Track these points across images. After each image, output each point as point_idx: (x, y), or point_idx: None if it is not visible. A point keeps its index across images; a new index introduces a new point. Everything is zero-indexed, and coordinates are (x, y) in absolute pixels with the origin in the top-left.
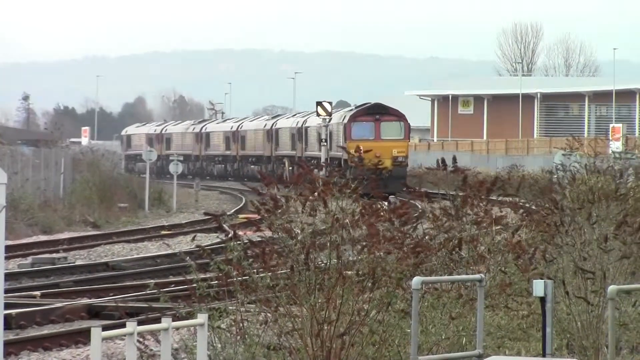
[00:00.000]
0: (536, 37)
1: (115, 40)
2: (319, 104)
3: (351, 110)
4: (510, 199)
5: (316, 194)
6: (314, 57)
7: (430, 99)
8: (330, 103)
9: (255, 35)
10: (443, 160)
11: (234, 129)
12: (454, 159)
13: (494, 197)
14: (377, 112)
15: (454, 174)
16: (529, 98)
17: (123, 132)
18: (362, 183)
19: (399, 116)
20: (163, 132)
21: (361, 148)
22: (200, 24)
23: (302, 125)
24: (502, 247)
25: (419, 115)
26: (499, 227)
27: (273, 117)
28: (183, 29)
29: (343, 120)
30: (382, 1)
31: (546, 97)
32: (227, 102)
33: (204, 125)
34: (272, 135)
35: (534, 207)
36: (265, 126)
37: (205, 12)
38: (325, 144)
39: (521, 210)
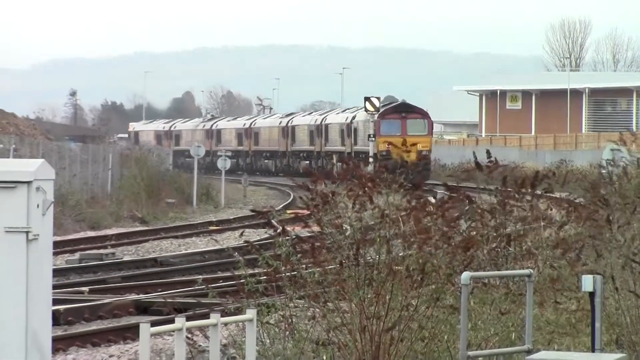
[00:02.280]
0: (584, 32)
1: (163, 37)
2: (367, 99)
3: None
4: (554, 194)
5: (363, 190)
6: (361, 53)
7: (478, 94)
8: (378, 98)
9: (302, 31)
10: (477, 162)
11: (247, 126)
12: (488, 153)
13: (539, 192)
14: (403, 110)
15: (491, 171)
16: (577, 93)
17: (130, 129)
18: (409, 176)
19: (423, 114)
20: (172, 129)
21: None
22: (247, 20)
23: (321, 122)
24: (549, 242)
25: (468, 110)
26: (544, 222)
27: (287, 115)
28: (231, 25)
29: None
30: None
31: (594, 92)
32: (274, 98)
33: (214, 123)
34: (287, 131)
35: (581, 202)
36: (280, 123)
37: (252, 8)
38: (373, 139)
39: (567, 206)
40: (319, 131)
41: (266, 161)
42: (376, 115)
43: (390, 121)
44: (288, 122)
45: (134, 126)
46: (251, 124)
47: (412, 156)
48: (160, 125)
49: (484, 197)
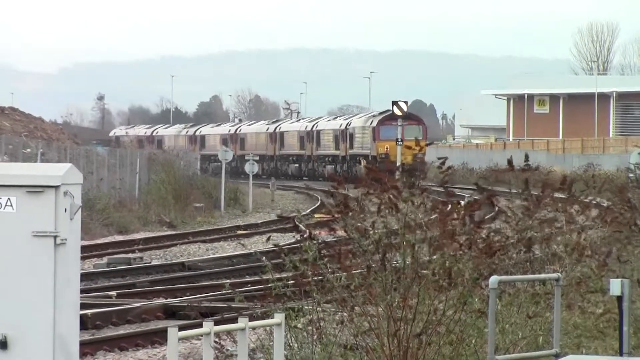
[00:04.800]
0: (612, 35)
1: (190, 40)
2: (394, 103)
3: (375, 115)
4: (586, 198)
5: (387, 197)
6: (388, 56)
7: (506, 98)
8: (405, 102)
9: (329, 34)
10: (509, 161)
11: (232, 132)
12: (526, 157)
13: (567, 197)
14: (400, 117)
15: (524, 173)
16: (604, 97)
17: (111, 134)
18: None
19: (418, 120)
20: (154, 134)
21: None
22: (274, 23)
23: (312, 128)
24: (576, 246)
25: (495, 114)
26: (572, 226)
27: (273, 122)
28: (259, 29)
29: (371, 124)
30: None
31: (622, 96)
32: (302, 102)
33: (198, 129)
34: (275, 137)
35: (609, 207)
36: (267, 129)
37: (279, 11)
38: (401, 143)
39: (597, 210)
40: (310, 137)
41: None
42: (375, 122)
43: (388, 127)
44: (275, 128)
45: (114, 131)
46: (236, 130)
47: (408, 159)
48: (142, 130)
49: (517, 202)
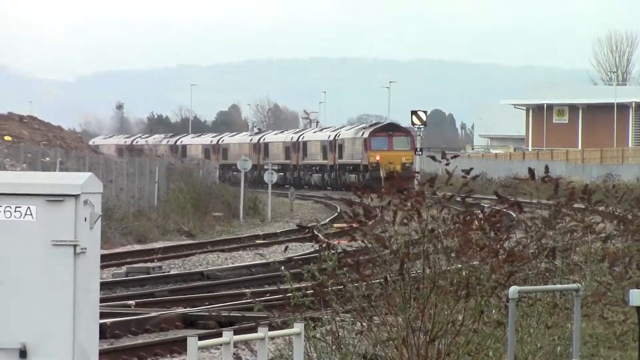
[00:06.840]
0: (631, 46)
1: (209, 49)
2: (414, 112)
3: (365, 127)
4: (605, 208)
5: (409, 204)
6: (408, 66)
7: (525, 108)
8: (425, 112)
9: (349, 43)
10: (530, 170)
11: (214, 142)
12: (546, 169)
13: (585, 206)
14: (390, 129)
15: (545, 184)
16: (624, 107)
17: (91, 142)
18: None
19: (406, 132)
20: (134, 143)
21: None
22: (294, 32)
23: (297, 139)
24: (596, 256)
25: (514, 124)
26: (593, 236)
27: (256, 134)
28: (278, 38)
29: (362, 135)
30: (475, 9)
31: None
32: (321, 111)
33: (178, 139)
34: (259, 147)
35: (629, 216)
36: (251, 140)
37: (299, 20)
38: (420, 153)
39: (615, 220)
40: (296, 147)
41: (235, 173)
42: (367, 133)
43: (379, 138)
44: (259, 139)
45: (94, 140)
46: (218, 140)
47: (397, 167)
48: (121, 139)
49: (537, 211)
